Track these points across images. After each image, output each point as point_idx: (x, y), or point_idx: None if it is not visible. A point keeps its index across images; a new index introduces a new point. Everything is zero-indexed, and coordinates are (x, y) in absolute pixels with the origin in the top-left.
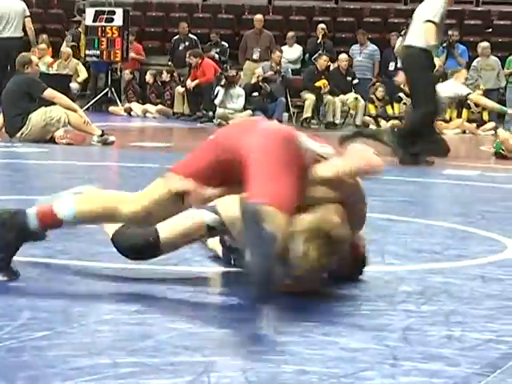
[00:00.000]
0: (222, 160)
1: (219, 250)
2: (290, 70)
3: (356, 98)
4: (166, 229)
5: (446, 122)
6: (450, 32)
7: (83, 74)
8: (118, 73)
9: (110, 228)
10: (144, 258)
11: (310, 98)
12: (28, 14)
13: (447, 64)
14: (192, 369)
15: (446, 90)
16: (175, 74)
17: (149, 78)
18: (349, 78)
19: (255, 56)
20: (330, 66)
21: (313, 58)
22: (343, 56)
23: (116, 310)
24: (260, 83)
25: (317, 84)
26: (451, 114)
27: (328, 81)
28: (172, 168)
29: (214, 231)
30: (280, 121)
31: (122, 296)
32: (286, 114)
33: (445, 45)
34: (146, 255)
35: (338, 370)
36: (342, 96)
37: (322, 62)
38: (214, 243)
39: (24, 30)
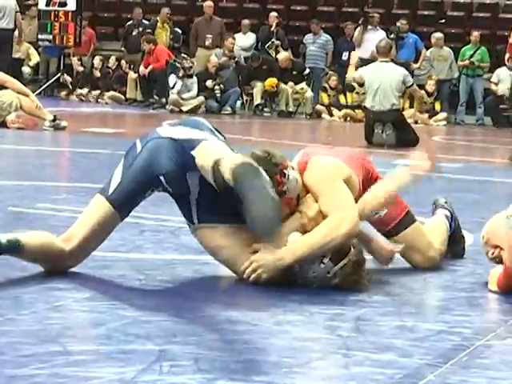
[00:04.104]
0: None
1: None
2: (242, 57)
3: (302, 89)
4: None
5: None
6: (398, 23)
7: (35, 58)
8: (71, 58)
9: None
10: None
11: (258, 85)
12: (18, 9)
13: (400, 55)
14: (144, 357)
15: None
16: (123, 62)
17: (97, 63)
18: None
19: (207, 43)
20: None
21: (266, 46)
22: (283, 56)
23: (67, 297)
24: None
25: (266, 84)
26: (404, 104)
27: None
28: None
29: None
30: (234, 109)
31: (72, 283)
32: (239, 102)
33: (392, 36)
34: None
35: (291, 360)
36: (291, 84)
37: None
38: None
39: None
